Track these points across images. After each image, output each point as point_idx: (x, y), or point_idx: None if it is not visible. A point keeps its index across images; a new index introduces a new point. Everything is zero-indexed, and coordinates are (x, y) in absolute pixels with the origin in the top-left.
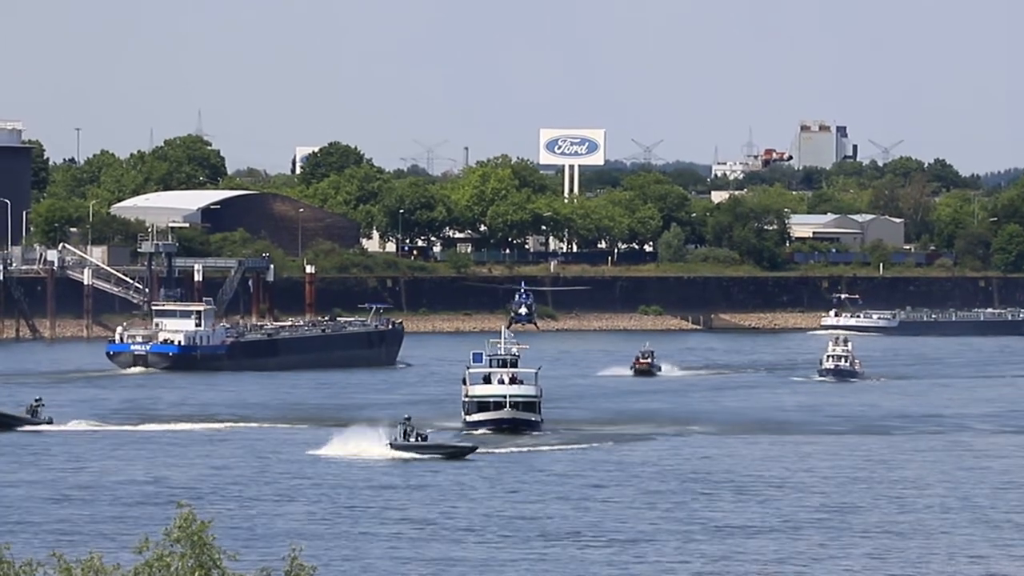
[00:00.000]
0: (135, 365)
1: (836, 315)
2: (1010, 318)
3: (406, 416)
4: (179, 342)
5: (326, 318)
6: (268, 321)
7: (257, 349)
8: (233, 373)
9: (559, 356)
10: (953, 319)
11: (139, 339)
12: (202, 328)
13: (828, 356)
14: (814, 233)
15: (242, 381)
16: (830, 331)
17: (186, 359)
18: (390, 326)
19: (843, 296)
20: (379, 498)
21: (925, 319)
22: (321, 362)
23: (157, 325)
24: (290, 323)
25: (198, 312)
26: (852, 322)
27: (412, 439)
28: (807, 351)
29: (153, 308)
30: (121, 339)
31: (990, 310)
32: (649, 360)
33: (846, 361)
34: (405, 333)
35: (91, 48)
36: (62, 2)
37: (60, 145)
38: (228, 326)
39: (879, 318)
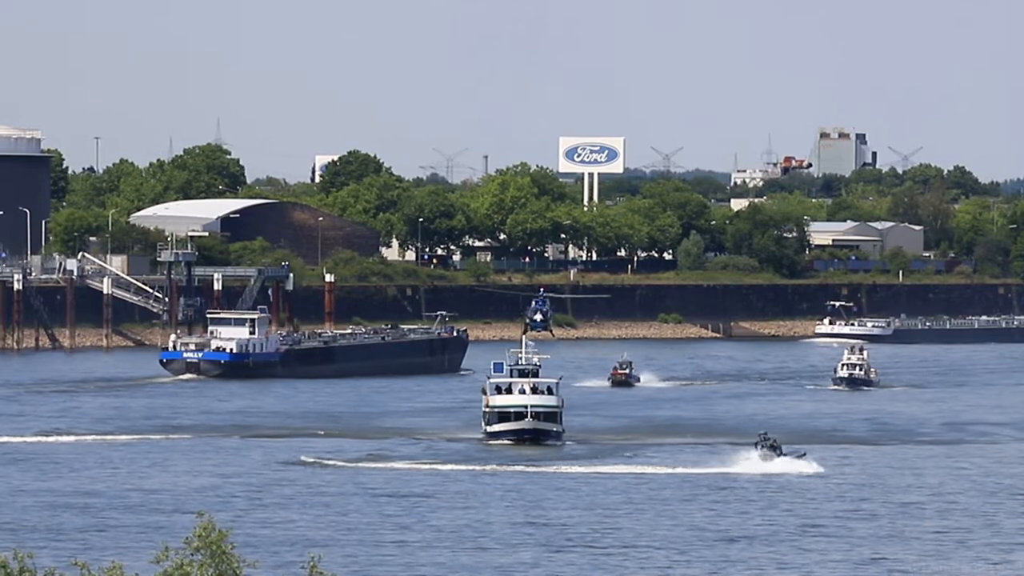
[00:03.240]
0: (187, 372)
1: (831, 323)
2: (1004, 325)
3: (763, 432)
4: (231, 350)
5: (387, 326)
6: (328, 329)
7: (312, 357)
8: (284, 380)
9: (563, 365)
10: (947, 327)
11: (192, 347)
12: (256, 336)
13: (843, 364)
14: (834, 240)
15: (272, 389)
16: (825, 339)
17: (238, 367)
18: (454, 333)
19: (838, 304)
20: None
21: (920, 327)
22: (380, 370)
23: (211, 333)
24: (350, 331)
25: (252, 320)
26: (847, 330)
27: (770, 451)
28: (800, 359)
29: (207, 316)
30: (174, 347)
31: (984, 317)
32: (627, 371)
33: (860, 370)
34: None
35: (110, 57)
36: (80, 12)
37: (79, 154)
38: (283, 334)
39: (873, 326)
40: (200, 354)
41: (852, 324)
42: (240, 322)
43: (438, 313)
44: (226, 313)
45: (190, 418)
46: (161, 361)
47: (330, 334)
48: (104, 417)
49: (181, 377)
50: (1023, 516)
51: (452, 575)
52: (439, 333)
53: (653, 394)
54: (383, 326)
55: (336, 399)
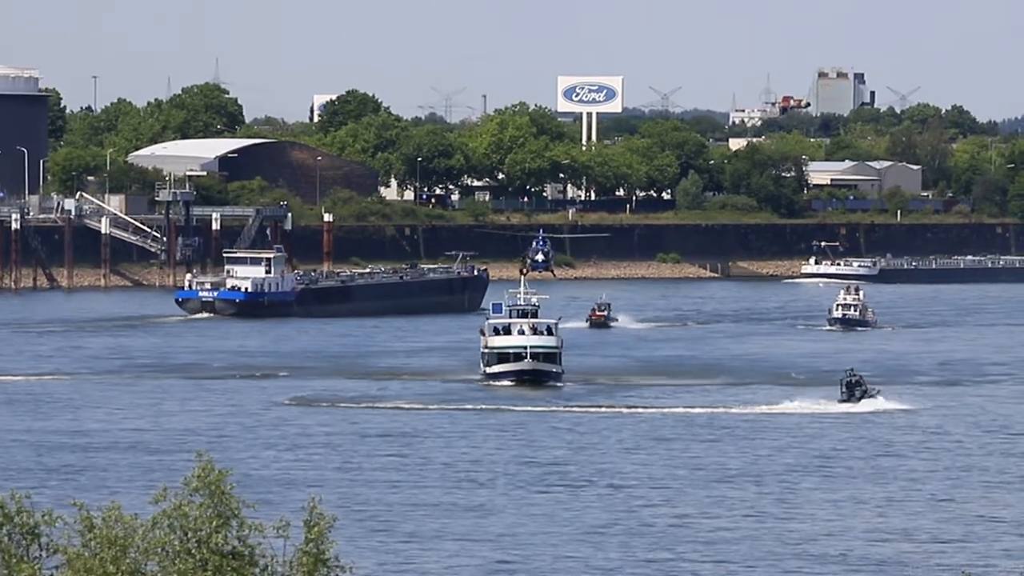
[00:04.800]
0: (203, 311)
1: (816, 263)
2: (990, 265)
3: (849, 368)
4: (246, 288)
5: (406, 265)
6: (329, 268)
7: (329, 296)
8: (300, 320)
9: (565, 304)
10: (933, 266)
11: (207, 286)
12: (271, 275)
13: (837, 305)
14: (832, 180)
15: (274, 329)
16: (811, 279)
17: (253, 305)
18: (475, 273)
19: (823, 244)
20: None
21: (905, 266)
22: (398, 309)
23: (227, 272)
24: (368, 270)
25: (268, 259)
26: (832, 270)
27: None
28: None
29: (224, 255)
30: (190, 286)
31: (971, 257)
32: (605, 312)
33: (855, 310)
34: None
35: None
36: None
37: (77, 93)
38: (301, 273)
39: (859, 266)
40: (215, 293)
41: (838, 264)
42: (256, 261)
43: (458, 252)
44: (242, 252)
45: (158, 358)
46: (177, 300)
47: (348, 273)
48: (93, 356)
49: (195, 316)
50: None
51: (452, 518)
52: (459, 272)
53: (632, 336)
54: (403, 266)
55: (338, 338)
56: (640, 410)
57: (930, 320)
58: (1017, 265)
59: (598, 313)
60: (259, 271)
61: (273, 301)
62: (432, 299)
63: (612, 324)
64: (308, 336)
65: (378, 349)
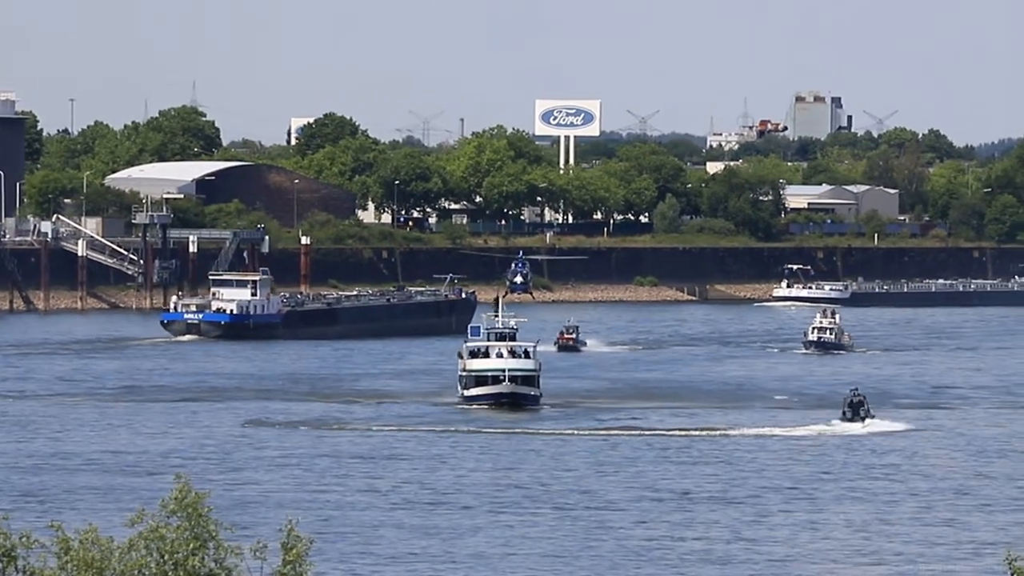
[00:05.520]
0: (188, 334)
1: (788, 286)
2: (961, 289)
3: (854, 388)
4: (231, 311)
5: (394, 288)
6: (335, 291)
7: (315, 318)
8: (284, 342)
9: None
10: (905, 290)
11: (193, 308)
12: (257, 297)
13: (813, 328)
14: (809, 204)
15: (252, 351)
16: (782, 302)
17: (239, 328)
18: (462, 295)
19: (795, 267)
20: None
21: (877, 290)
22: (385, 331)
23: (213, 294)
24: (356, 292)
25: (254, 281)
26: (804, 293)
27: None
28: (759, 323)
29: (210, 277)
30: (175, 308)
31: (941, 281)
32: (573, 336)
33: (831, 333)
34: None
35: (85, 19)
36: None
37: (54, 116)
38: (287, 295)
39: (831, 289)
40: (200, 315)
41: (810, 287)
42: (242, 283)
43: (446, 275)
44: (228, 274)
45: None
46: (162, 322)
47: (334, 296)
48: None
49: (180, 338)
50: None
51: (425, 538)
52: (447, 295)
53: (601, 359)
54: (390, 288)
55: (318, 361)
56: (619, 433)
57: (906, 344)
58: (989, 289)
59: (566, 336)
60: (245, 293)
61: (259, 324)
62: (419, 322)
63: (581, 348)
64: (289, 358)
65: (358, 371)
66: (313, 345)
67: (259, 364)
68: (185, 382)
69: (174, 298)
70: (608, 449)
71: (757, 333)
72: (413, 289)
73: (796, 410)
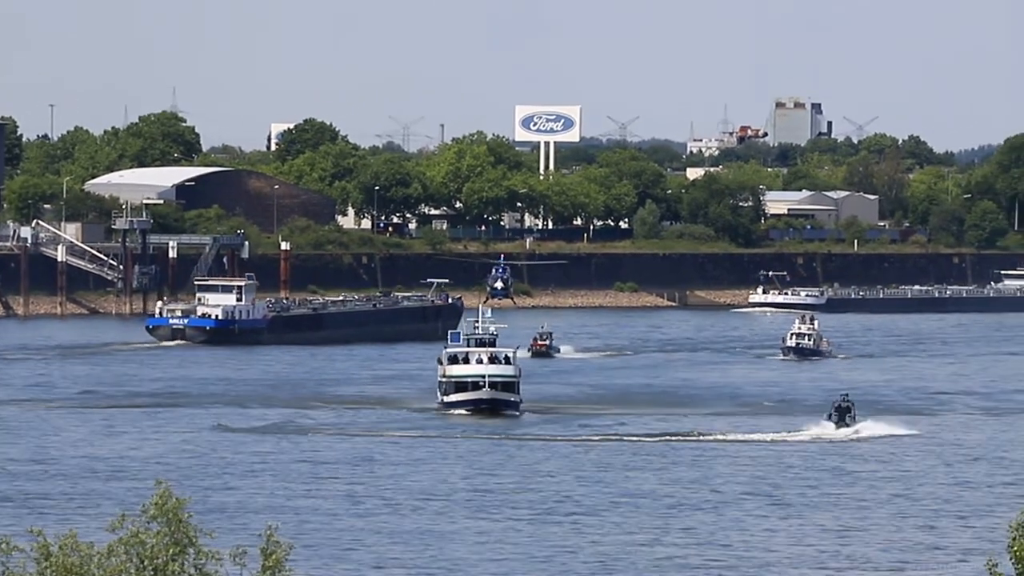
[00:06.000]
0: (173, 339)
1: (764, 292)
2: (937, 295)
3: (844, 393)
4: (217, 316)
5: (379, 293)
6: (321, 296)
7: (300, 324)
8: (270, 347)
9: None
10: (880, 296)
11: (178, 313)
12: (243, 303)
13: (792, 334)
14: (789, 210)
15: (228, 357)
16: (758, 308)
17: (224, 333)
18: (449, 301)
19: (770, 273)
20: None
21: (852, 296)
22: (371, 336)
23: (198, 299)
24: (342, 297)
25: (239, 287)
26: (780, 299)
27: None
28: (736, 328)
29: (195, 283)
30: (160, 313)
31: (917, 287)
32: (547, 342)
33: (809, 339)
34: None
35: (65, 24)
36: None
37: (34, 122)
38: (272, 300)
39: (807, 295)
40: (186, 320)
41: (785, 293)
42: (228, 289)
43: (433, 281)
44: (214, 279)
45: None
46: (147, 327)
47: (320, 301)
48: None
49: (166, 344)
50: None
51: (404, 544)
52: (433, 300)
53: (574, 365)
54: (376, 293)
55: (297, 366)
56: (597, 439)
57: (885, 350)
58: (964, 295)
59: (540, 343)
60: (230, 299)
61: (244, 329)
62: (405, 327)
63: (555, 354)
64: (271, 363)
65: (340, 377)
66: (297, 350)
67: (241, 369)
68: (166, 387)
69: (159, 303)
70: (585, 454)
71: (732, 339)
72: (399, 294)
73: (775, 416)
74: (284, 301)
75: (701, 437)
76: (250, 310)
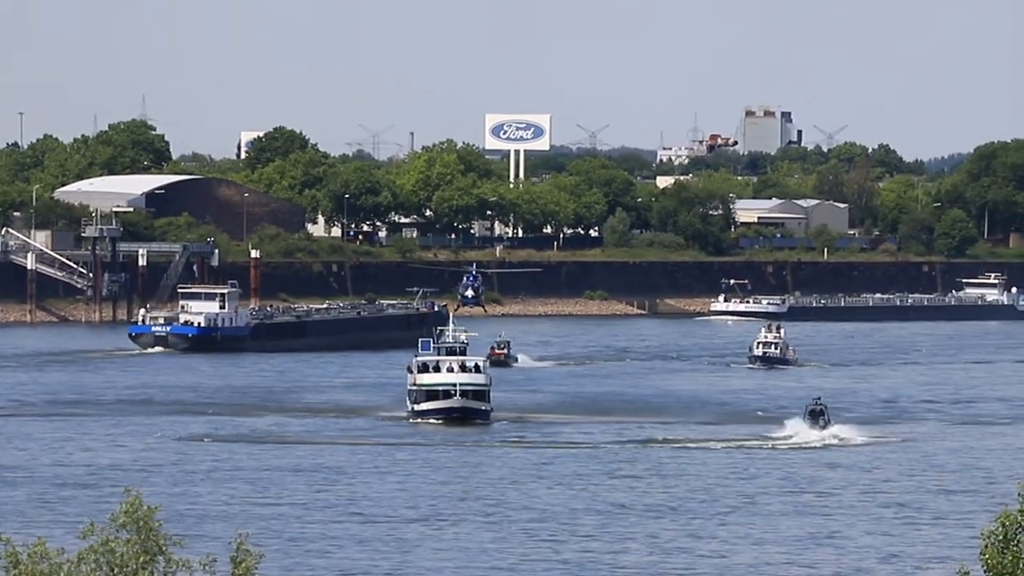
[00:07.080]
0: (156, 346)
1: (726, 300)
2: (899, 303)
3: (817, 397)
4: (199, 324)
5: (363, 301)
6: (306, 304)
7: (283, 331)
8: (254, 354)
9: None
10: (842, 304)
11: (161, 320)
12: (225, 310)
13: (758, 343)
14: (759, 218)
15: (203, 365)
16: (720, 316)
17: (206, 340)
18: (434, 309)
19: (732, 282)
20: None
21: (814, 304)
22: (355, 344)
23: (181, 307)
24: (326, 305)
25: (222, 294)
26: (742, 307)
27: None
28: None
29: (179, 290)
30: (143, 320)
31: (878, 295)
32: (504, 351)
33: (776, 348)
34: None
35: (34, 32)
36: None
37: (3, 130)
38: (255, 308)
39: (768, 303)
40: (168, 328)
41: (747, 301)
42: (210, 296)
43: (418, 288)
44: (197, 287)
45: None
46: (130, 335)
47: (304, 308)
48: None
49: (148, 351)
50: None
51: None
52: (418, 308)
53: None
54: (361, 301)
55: (270, 374)
56: (569, 447)
57: (851, 358)
58: (926, 303)
59: (497, 351)
60: (213, 306)
61: (226, 336)
62: (389, 334)
63: (512, 363)
64: (251, 371)
65: (311, 384)
66: (278, 358)
67: (222, 376)
68: (141, 394)
69: (142, 311)
70: (549, 462)
71: (694, 348)
72: (384, 302)
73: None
74: (268, 309)
75: (667, 443)
76: (233, 318)
